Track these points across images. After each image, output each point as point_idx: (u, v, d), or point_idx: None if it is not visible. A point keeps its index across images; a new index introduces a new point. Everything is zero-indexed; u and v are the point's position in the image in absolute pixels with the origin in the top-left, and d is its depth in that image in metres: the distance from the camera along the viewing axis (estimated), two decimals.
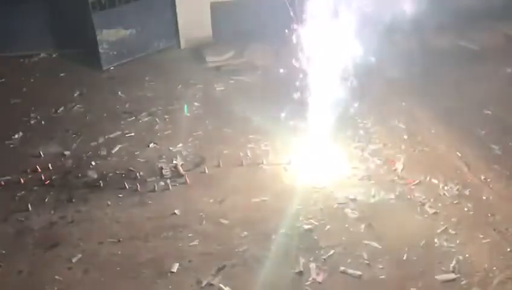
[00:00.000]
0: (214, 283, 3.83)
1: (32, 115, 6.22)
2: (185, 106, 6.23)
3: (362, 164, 5.11)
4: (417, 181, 4.82)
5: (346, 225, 4.35)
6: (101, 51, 7.31)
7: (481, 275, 3.83)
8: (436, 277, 3.83)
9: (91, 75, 7.20)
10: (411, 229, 4.29)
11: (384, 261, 3.98)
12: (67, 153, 5.46)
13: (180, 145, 5.53)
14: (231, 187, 4.85)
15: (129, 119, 6.08)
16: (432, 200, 4.58)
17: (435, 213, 4.44)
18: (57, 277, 3.95)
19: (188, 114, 6.16)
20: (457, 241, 4.13)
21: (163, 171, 5.06)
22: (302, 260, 4.00)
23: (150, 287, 3.86)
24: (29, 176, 5.07)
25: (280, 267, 3.98)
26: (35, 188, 4.94)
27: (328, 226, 4.34)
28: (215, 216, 4.49)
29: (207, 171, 5.08)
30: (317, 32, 4.98)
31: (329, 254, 4.05)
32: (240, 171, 5.08)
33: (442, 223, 4.32)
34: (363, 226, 4.33)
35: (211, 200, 4.69)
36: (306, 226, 4.33)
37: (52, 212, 4.61)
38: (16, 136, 5.81)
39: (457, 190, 4.69)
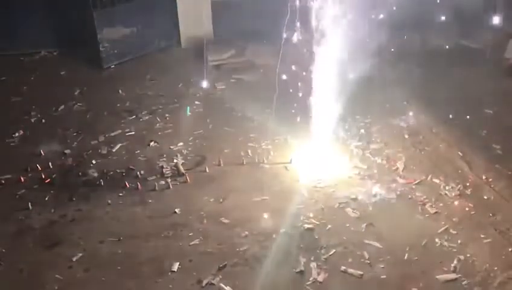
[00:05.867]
0: (214, 283, 3.83)
1: (32, 113, 6.22)
2: (187, 107, 6.21)
3: (363, 163, 5.11)
4: (418, 181, 4.82)
5: (347, 225, 4.35)
6: (101, 49, 7.30)
7: (482, 275, 3.82)
8: (437, 276, 3.83)
9: (92, 74, 7.19)
10: (412, 228, 4.28)
11: (385, 260, 3.97)
12: (67, 151, 5.45)
13: (181, 144, 5.53)
14: (232, 186, 4.84)
15: (130, 118, 6.07)
16: (433, 199, 4.58)
17: (436, 213, 4.43)
18: (57, 275, 3.94)
19: (186, 113, 6.16)
20: (459, 241, 4.12)
21: (164, 170, 5.05)
22: (302, 260, 3.99)
23: (151, 287, 3.85)
24: (30, 175, 5.07)
25: (281, 266, 3.97)
26: (35, 186, 4.93)
27: (329, 226, 4.33)
28: (215, 215, 4.48)
29: (207, 170, 5.07)
30: (319, 31, 4.97)
31: (330, 254, 4.05)
32: (240, 171, 5.08)
33: (443, 223, 4.32)
34: (364, 225, 4.32)
35: (212, 200, 4.68)
36: (307, 226, 4.33)
37: (53, 211, 4.61)
38: (17, 134, 5.80)
39: (459, 189, 4.68)
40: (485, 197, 4.59)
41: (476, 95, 6.07)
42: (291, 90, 5.38)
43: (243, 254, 4.08)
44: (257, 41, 7.51)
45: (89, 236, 4.31)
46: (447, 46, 7.02)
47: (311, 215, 4.45)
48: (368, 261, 3.97)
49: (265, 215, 4.44)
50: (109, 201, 4.69)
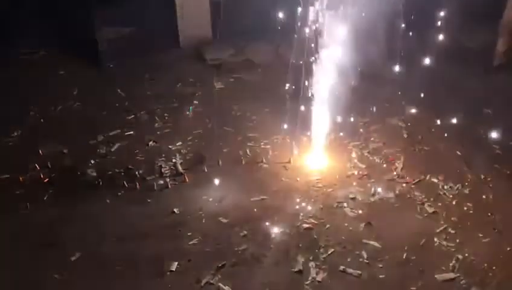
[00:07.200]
0: (213, 282, 3.83)
1: (31, 112, 6.20)
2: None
3: (362, 162, 5.11)
4: (417, 180, 4.82)
5: (346, 224, 4.35)
6: (100, 48, 7.28)
7: (481, 274, 3.84)
8: (435, 276, 3.84)
9: (90, 73, 7.17)
10: (411, 228, 4.29)
11: (384, 260, 3.98)
12: (66, 151, 5.44)
13: (180, 143, 5.52)
14: (230, 186, 4.84)
15: (128, 118, 6.06)
16: (431, 199, 4.59)
17: (435, 212, 4.44)
18: (56, 275, 3.94)
19: (188, 113, 6.14)
20: (457, 241, 4.13)
21: (163, 170, 5.05)
22: (301, 259, 3.99)
23: (149, 286, 3.85)
24: (28, 174, 5.06)
25: (279, 266, 3.97)
26: (34, 186, 4.92)
27: (327, 225, 4.33)
28: (214, 215, 4.49)
29: (206, 170, 5.07)
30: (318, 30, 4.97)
31: (328, 253, 4.05)
32: (239, 170, 5.07)
33: (441, 222, 4.33)
34: (362, 225, 4.33)
35: (210, 199, 4.68)
36: (305, 225, 4.33)
37: (51, 210, 4.60)
38: (15, 134, 5.79)
39: (457, 189, 4.69)
40: (484, 197, 4.60)
41: (475, 94, 6.07)
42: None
43: (241, 253, 4.08)
44: (256, 41, 7.51)
45: (87, 236, 4.31)
46: (446, 45, 7.01)
47: (310, 214, 4.45)
48: (367, 261, 3.98)
49: (264, 215, 4.44)
50: (108, 201, 4.69)
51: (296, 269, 3.92)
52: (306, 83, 5.19)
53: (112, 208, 4.63)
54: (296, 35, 5.14)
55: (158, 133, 5.76)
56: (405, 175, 4.90)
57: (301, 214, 4.46)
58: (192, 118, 6.06)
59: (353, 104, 5.58)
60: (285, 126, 5.48)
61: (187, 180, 4.93)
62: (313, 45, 5.01)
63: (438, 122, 5.66)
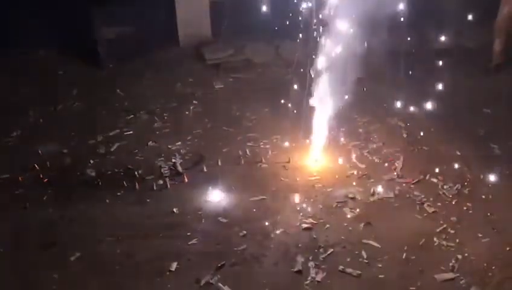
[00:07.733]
0: (212, 282, 3.82)
1: (30, 112, 6.20)
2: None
3: (361, 162, 5.10)
4: (416, 180, 4.82)
5: (345, 224, 4.35)
6: (99, 48, 7.29)
7: (480, 274, 3.82)
8: (435, 276, 3.83)
9: (90, 73, 7.18)
10: (410, 228, 4.28)
11: (384, 260, 3.98)
12: (65, 151, 5.44)
13: (179, 143, 5.52)
14: (230, 186, 4.83)
15: (128, 117, 6.06)
16: (431, 199, 4.58)
17: (434, 212, 4.43)
18: (55, 275, 3.93)
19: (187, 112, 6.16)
20: (457, 241, 4.12)
21: (162, 170, 5.05)
22: (301, 259, 3.99)
23: (149, 286, 3.85)
24: (27, 174, 5.06)
25: (279, 266, 3.97)
26: (33, 186, 4.92)
27: (327, 225, 4.33)
28: (213, 215, 4.48)
29: (206, 170, 5.07)
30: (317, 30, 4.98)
31: (328, 253, 4.05)
32: (238, 170, 5.07)
33: (441, 222, 4.32)
34: (362, 225, 4.32)
35: (210, 199, 4.68)
36: (305, 225, 4.33)
37: (51, 210, 4.60)
38: (14, 133, 5.79)
39: (457, 189, 4.68)
40: (483, 197, 4.59)
41: (474, 94, 6.08)
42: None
43: (241, 253, 4.08)
44: (255, 40, 7.51)
45: (87, 236, 4.30)
46: (447, 45, 7.02)
47: (310, 214, 4.45)
48: (366, 261, 3.97)
49: (264, 215, 4.44)
50: (107, 201, 4.69)
51: (295, 269, 3.91)
52: (306, 83, 5.21)
53: (112, 207, 4.62)
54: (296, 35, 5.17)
55: (157, 133, 5.76)
56: (404, 175, 4.90)
57: (301, 214, 4.46)
58: (192, 117, 6.06)
59: (353, 104, 5.60)
60: (285, 128, 5.50)
61: (186, 180, 4.93)
62: (312, 45, 5.04)
63: (438, 122, 5.66)
